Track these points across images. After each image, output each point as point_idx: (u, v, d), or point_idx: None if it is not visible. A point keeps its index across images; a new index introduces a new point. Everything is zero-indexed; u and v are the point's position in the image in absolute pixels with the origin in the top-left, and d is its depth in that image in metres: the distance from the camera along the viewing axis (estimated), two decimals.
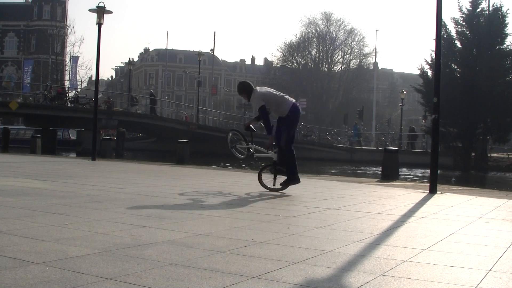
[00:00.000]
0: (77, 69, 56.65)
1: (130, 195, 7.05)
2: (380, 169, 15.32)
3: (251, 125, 8.44)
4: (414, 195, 8.69)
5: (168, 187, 8.62)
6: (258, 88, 8.23)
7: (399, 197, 8.26)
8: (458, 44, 35.03)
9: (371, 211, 6.24)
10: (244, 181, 10.38)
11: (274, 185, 8.21)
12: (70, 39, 68.63)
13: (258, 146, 8.59)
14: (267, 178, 8.34)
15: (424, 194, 8.78)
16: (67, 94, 38.29)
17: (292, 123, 8.08)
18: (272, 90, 8.30)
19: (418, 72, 36.53)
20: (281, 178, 8.21)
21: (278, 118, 8.14)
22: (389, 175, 12.94)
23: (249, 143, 8.57)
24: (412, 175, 27.36)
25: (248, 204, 6.54)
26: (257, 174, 8.65)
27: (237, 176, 11.88)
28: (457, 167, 32.35)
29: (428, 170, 9.94)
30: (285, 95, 8.26)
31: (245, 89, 8.21)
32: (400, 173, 16.96)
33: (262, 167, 8.61)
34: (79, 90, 46.78)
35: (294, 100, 8.20)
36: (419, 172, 28.73)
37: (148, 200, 6.62)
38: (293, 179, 8.13)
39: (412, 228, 5.08)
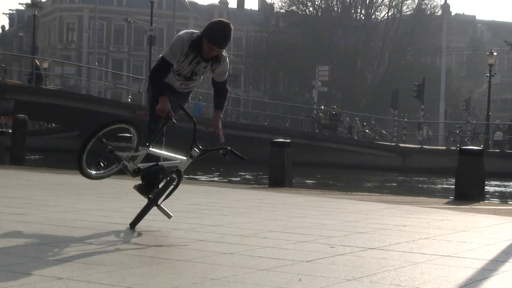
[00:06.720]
0: None
1: (36, 227, 5.01)
2: (453, 183, 12.81)
3: None
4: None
5: (101, 212, 6.34)
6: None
7: (484, 229, 6.43)
8: None
9: (437, 252, 4.65)
10: (226, 201, 8.39)
11: None
12: None
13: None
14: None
15: None
16: None
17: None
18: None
19: None
20: None
21: None
22: (468, 193, 10.47)
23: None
24: (507, 192, 22.99)
25: (240, 235, 4.66)
26: None
27: (207, 192, 9.56)
28: None
29: None
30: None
31: None
32: (486, 188, 13.61)
33: None
34: None
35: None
36: None
37: (67, 234, 4.66)
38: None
39: (510, 281, 3.73)
